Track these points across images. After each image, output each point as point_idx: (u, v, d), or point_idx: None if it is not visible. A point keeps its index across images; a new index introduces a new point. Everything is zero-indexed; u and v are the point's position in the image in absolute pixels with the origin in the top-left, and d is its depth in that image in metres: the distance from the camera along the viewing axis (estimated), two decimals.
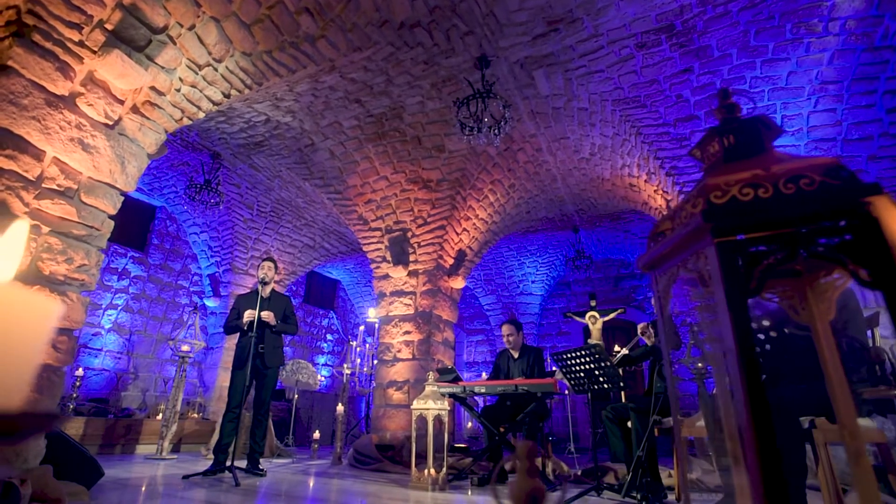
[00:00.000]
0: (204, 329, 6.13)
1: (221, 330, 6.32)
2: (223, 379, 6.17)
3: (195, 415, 5.69)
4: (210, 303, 6.49)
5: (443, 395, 3.55)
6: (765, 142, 0.70)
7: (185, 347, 4.92)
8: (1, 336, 0.25)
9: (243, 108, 4.38)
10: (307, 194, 6.06)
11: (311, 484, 3.38)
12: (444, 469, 3.29)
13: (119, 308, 5.78)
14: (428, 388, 3.46)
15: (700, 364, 2.94)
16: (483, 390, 3.61)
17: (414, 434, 3.40)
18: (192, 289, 6.71)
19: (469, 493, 3.16)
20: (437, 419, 3.37)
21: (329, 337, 9.31)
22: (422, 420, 3.40)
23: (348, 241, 7.53)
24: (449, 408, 3.48)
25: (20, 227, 0.30)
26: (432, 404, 3.33)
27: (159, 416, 5.24)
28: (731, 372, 0.53)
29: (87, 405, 4.98)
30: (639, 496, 2.37)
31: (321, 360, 8.98)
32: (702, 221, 0.59)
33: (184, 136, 4.99)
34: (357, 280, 9.42)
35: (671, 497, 2.88)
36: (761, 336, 2.10)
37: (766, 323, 2.10)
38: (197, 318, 5.10)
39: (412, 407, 3.41)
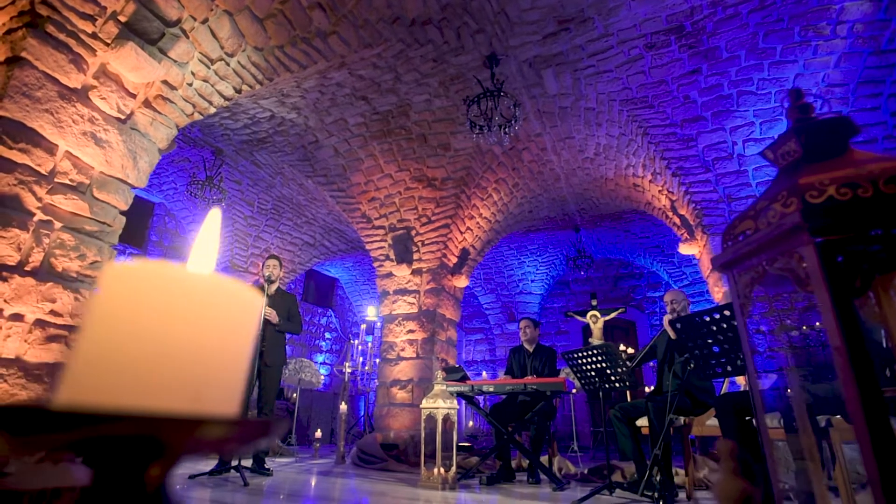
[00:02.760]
0: None
1: None
2: None
3: None
4: None
5: (451, 393, 3.54)
6: (847, 142, 0.69)
7: None
8: (218, 333, 0.23)
9: (248, 104, 4.33)
10: (309, 192, 6.01)
11: (320, 483, 3.36)
12: (454, 468, 3.28)
13: None
14: (437, 387, 3.44)
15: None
16: (492, 389, 3.61)
17: (423, 433, 3.38)
18: None
19: (479, 492, 3.15)
20: (447, 418, 3.36)
21: (327, 335, 9.27)
22: (430, 419, 3.39)
23: (348, 240, 7.49)
24: (458, 407, 3.48)
25: (215, 215, 0.28)
26: (442, 403, 3.32)
27: None
28: (841, 371, 0.53)
29: None
30: (656, 495, 2.38)
31: (320, 358, 8.94)
32: (800, 220, 0.59)
33: (186, 132, 4.92)
34: (356, 278, 9.38)
35: (681, 495, 2.90)
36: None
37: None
38: None
39: (421, 406, 3.40)
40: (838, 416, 2.12)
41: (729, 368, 2.17)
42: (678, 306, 3.30)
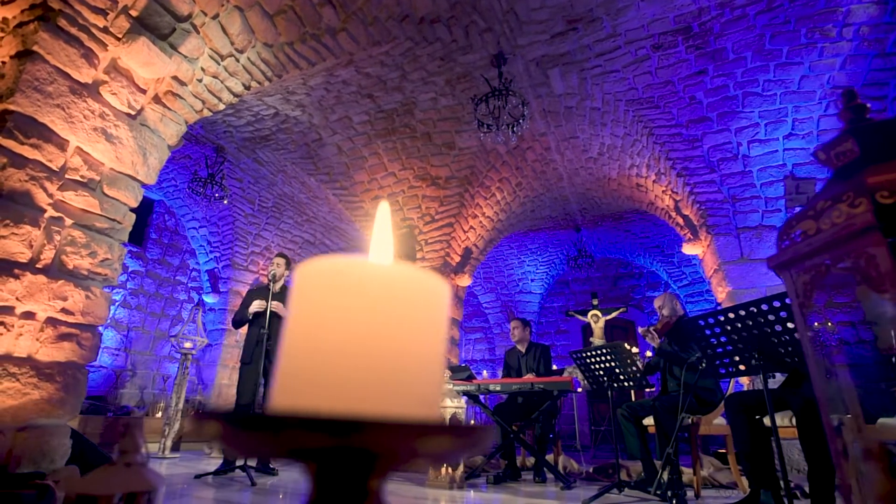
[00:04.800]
0: (203, 325, 6.02)
1: (220, 327, 6.23)
2: (222, 376, 6.07)
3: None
4: (209, 299, 6.37)
5: (457, 392, 3.54)
6: None
7: (187, 344, 4.82)
8: (411, 326, 0.22)
9: (253, 101, 4.29)
10: (311, 190, 5.98)
11: None
12: (461, 467, 3.28)
13: (117, 304, 5.64)
14: (444, 387, 3.44)
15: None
16: (499, 388, 3.61)
17: None
18: (190, 284, 6.59)
19: (487, 491, 3.15)
20: (454, 417, 3.36)
21: None
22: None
23: (349, 238, 7.47)
24: (465, 406, 3.48)
25: (385, 208, 0.27)
26: (449, 402, 3.32)
27: (158, 414, 5.14)
28: None
29: (84, 403, 4.85)
30: (669, 493, 2.39)
31: None
32: (873, 221, 0.59)
33: (188, 129, 4.87)
34: None
35: (689, 494, 2.92)
36: (786, 337, 2.11)
37: (790, 325, 2.11)
38: (200, 315, 5.00)
39: None
40: (850, 416, 2.13)
41: (742, 368, 2.18)
42: (666, 311, 3.31)
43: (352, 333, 0.21)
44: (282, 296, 3.87)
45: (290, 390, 0.20)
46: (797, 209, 3.86)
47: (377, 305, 0.21)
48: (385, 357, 0.20)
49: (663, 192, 4.78)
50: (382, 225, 0.27)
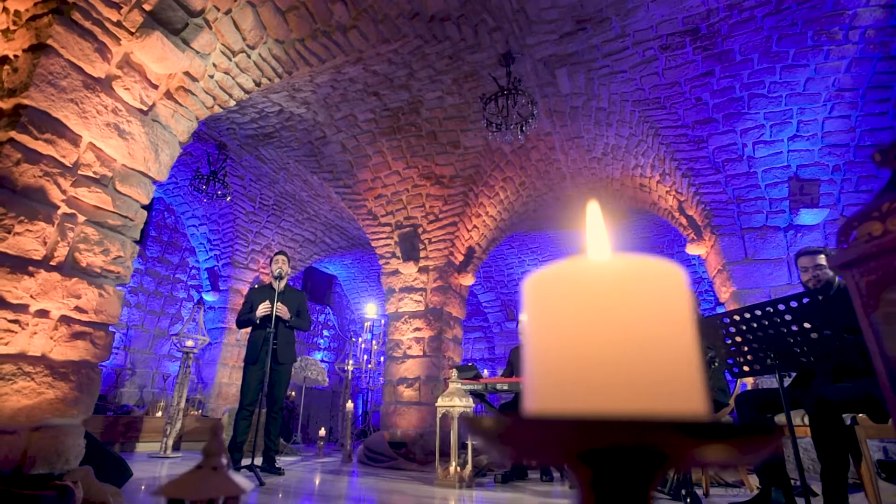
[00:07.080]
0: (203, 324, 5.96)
1: (220, 325, 6.18)
2: (222, 375, 6.03)
3: (194, 412, 5.54)
4: (208, 297, 6.32)
5: (465, 391, 3.54)
6: None
7: (189, 343, 4.78)
8: (655, 318, 0.21)
9: (258, 98, 4.26)
10: (313, 188, 5.95)
11: (335, 482, 3.33)
12: (469, 466, 3.28)
13: None
14: (452, 386, 3.43)
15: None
16: (506, 388, 3.61)
17: (439, 431, 3.37)
18: (189, 283, 6.53)
19: (495, 490, 3.15)
20: (462, 417, 3.35)
21: (325, 333, 9.19)
22: (445, 418, 3.38)
23: (349, 237, 7.44)
24: (473, 405, 3.47)
25: (594, 207, 0.27)
26: (458, 402, 3.31)
27: (159, 413, 5.09)
28: None
29: None
30: (683, 492, 2.41)
31: (318, 356, 8.87)
32: None
33: None
34: (354, 276, 9.32)
35: (698, 492, 2.94)
36: (800, 337, 2.13)
37: (806, 325, 2.13)
38: (201, 313, 4.96)
39: (437, 404, 3.39)
40: (862, 415, 2.16)
41: (756, 367, 2.19)
42: None
43: (597, 333, 0.20)
44: (286, 295, 3.85)
45: (546, 395, 0.19)
46: (801, 210, 3.90)
47: (612, 301, 0.21)
48: (638, 352, 0.20)
49: (667, 192, 4.81)
50: (595, 222, 0.26)
